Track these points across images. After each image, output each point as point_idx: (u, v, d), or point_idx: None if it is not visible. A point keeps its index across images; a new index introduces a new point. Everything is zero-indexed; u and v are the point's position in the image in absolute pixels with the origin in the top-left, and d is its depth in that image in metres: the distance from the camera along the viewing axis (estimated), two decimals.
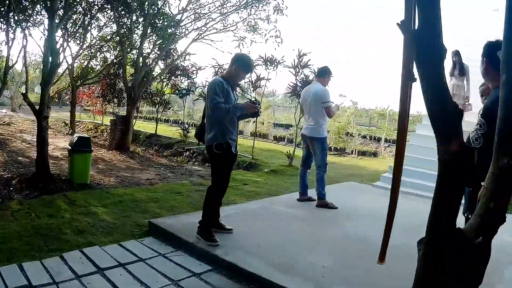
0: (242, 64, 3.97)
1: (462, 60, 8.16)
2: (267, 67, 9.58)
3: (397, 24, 1.82)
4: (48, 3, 6.87)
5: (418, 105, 11.70)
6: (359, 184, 7.80)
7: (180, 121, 18.24)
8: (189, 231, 3.98)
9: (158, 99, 10.98)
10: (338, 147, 14.39)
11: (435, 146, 1.94)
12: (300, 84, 9.00)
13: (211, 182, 4.02)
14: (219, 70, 10.20)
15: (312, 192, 5.84)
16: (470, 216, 2.01)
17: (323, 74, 5.75)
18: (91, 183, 6.68)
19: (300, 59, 8.95)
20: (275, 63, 9.45)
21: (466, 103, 7.93)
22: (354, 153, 13.66)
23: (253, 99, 4.36)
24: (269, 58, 9.46)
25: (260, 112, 4.11)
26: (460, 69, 8.08)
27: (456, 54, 8.16)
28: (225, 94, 3.81)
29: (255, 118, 10.76)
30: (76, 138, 6.71)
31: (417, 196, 6.80)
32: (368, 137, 17.91)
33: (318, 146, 5.63)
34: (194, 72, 10.73)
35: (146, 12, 9.37)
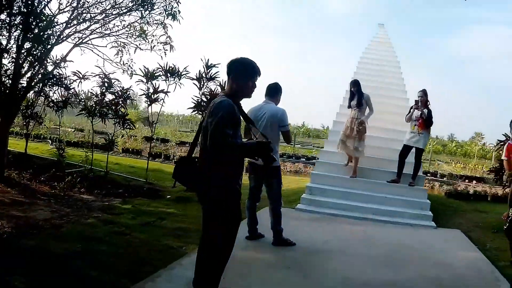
0: (245, 70, 3.03)
1: (361, 89, 7.90)
2: (167, 79, 8.35)
3: None
4: None
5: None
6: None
7: (55, 138, 15.10)
8: None
9: (29, 112, 8.60)
10: None
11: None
12: (205, 99, 8.06)
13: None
14: (105, 79, 8.50)
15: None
16: None
17: (277, 92, 5.05)
18: None
19: (207, 70, 8.02)
20: (177, 74, 8.29)
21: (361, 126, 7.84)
22: None
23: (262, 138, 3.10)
24: (170, 69, 8.25)
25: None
26: (358, 101, 7.83)
27: (355, 84, 7.89)
28: (235, 124, 2.83)
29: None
30: None
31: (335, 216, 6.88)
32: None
33: (275, 176, 4.87)
34: (76, 81, 8.73)
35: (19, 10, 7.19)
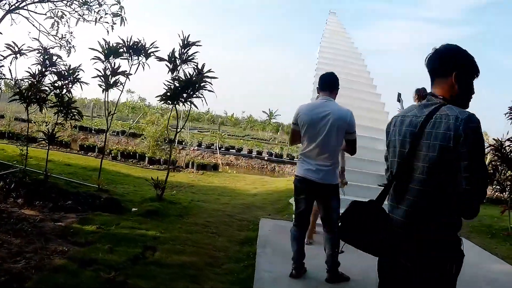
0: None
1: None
2: (130, 57, 6.55)
3: None
4: None
5: None
6: (278, 223, 6.01)
7: None
8: None
9: None
10: (161, 159, 11.96)
11: None
12: (177, 84, 6.45)
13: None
14: (47, 56, 6.44)
15: None
16: None
17: (336, 85, 3.79)
18: None
19: (184, 50, 6.40)
20: (144, 52, 6.53)
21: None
22: (191, 166, 11.61)
23: None
24: (135, 44, 6.46)
25: None
26: None
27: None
28: None
29: None
30: None
31: None
32: (204, 145, 16.15)
33: (336, 197, 3.66)
34: (7, 58, 6.51)
35: None
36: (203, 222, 5.67)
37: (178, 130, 7.41)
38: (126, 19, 7.82)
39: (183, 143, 15.32)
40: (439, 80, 1.90)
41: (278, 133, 53.48)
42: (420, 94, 6.95)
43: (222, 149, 17.76)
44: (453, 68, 1.84)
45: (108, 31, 7.63)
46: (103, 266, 3.52)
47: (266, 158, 21.14)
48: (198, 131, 24.91)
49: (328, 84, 3.72)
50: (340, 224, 1.96)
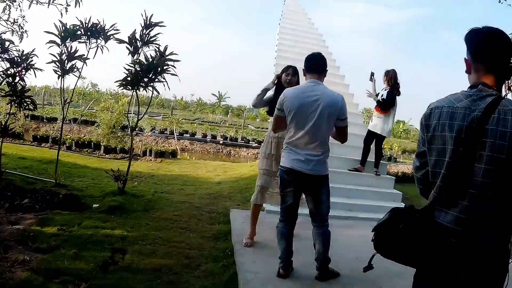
0: None
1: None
2: (88, 40, 5.92)
3: None
4: None
5: None
6: (250, 214, 5.77)
7: None
8: None
9: None
10: (117, 147, 11.31)
11: None
12: (139, 68, 5.96)
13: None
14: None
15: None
16: None
17: (325, 67, 3.53)
18: None
19: (146, 31, 5.88)
20: (103, 34, 5.93)
21: None
22: (149, 154, 11.03)
23: None
24: (93, 25, 5.84)
25: None
26: None
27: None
28: None
29: None
30: None
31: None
32: (158, 131, 15.31)
33: (326, 188, 3.46)
34: None
35: None
36: (171, 216, 5.33)
37: (140, 117, 6.90)
38: (81, 0, 7.09)
39: (136, 129, 14.63)
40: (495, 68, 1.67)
41: (228, 115, 53.20)
42: (389, 76, 6.96)
43: (176, 134, 17.14)
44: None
45: (62, 13, 6.88)
46: (71, 276, 3.14)
47: (221, 142, 20.77)
48: (149, 116, 23.98)
49: (316, 66, 3.43)
50: (376, 235, 1.75)
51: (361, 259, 4.02)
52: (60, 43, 5.88)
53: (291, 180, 3.39)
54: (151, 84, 6.12)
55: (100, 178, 7.26)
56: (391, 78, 6.88)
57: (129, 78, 5.92)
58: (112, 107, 12.73)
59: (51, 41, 5.86)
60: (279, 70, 4.67)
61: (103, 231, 4.38)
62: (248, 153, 20.51)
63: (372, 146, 7.11)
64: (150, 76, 6.03)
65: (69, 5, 7.13)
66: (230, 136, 21.85)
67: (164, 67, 6.05)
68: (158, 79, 6.14)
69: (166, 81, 6.17)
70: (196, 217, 5.48)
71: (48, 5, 7.09)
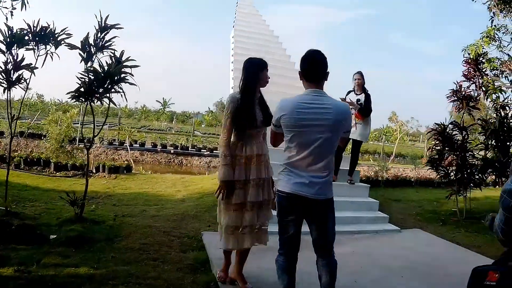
0: None
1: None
2: (37, 46, 5.09)
3: None
4: None
5: None
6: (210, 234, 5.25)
7: None
8: None
9: None
10: (68, 163, 10.22)
11: None
12: (92, 76, 5.23)
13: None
14: None
15: None
16: None
17: (327, 70, 3.05)
18: None
19: (101, 34, 5.17)
20: (53, 39, 5.12)
21: None
22: (102, 169, 10.05)
23: None
24: (42, 29, 5.02)
25: None
26: None
27: None
28: None
29: None
30: None
31: None
32: (107, 142, 14.14)
33: (332, 213, 3.03)
34: None
35: None
36: (138, 246, 4.69)
37: (99, 130, 6.12)
38: (28, 2, 6.18)
39: (85, 142, 13.48)
40: None
41: (173, 122, 51.93)
42: (364, 79, 6.79)
43: (125, 144, 16.08)
44: None
45: (7, 17, 5.96)
46: None
47: (172, 152, 19.95)
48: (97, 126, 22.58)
49: (321, 70, 2.89)
50: None
51: (360, 283, 3.69)
52: (5, 50, 5.04)
53: (294, 207, 2.93)
54: (107, 95, 5.43)
55: (53, 202, 6.43)
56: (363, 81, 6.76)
57: (82, 89, 5.18)
58: (60, 119, 11.62)
59: None
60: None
61: (67, 270, 3.70)
62: (200, 162, 19.85)
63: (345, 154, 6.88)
64: (106, 86, 5.34)
65: (15, 8, 6.22)
66: (181, 144, 21.06)
67: (122, 75, 5.39)
68: (114, 88, 5.46)
69: (123, 91, 5.51)
70: (166, 244, 4.88)
71: None
